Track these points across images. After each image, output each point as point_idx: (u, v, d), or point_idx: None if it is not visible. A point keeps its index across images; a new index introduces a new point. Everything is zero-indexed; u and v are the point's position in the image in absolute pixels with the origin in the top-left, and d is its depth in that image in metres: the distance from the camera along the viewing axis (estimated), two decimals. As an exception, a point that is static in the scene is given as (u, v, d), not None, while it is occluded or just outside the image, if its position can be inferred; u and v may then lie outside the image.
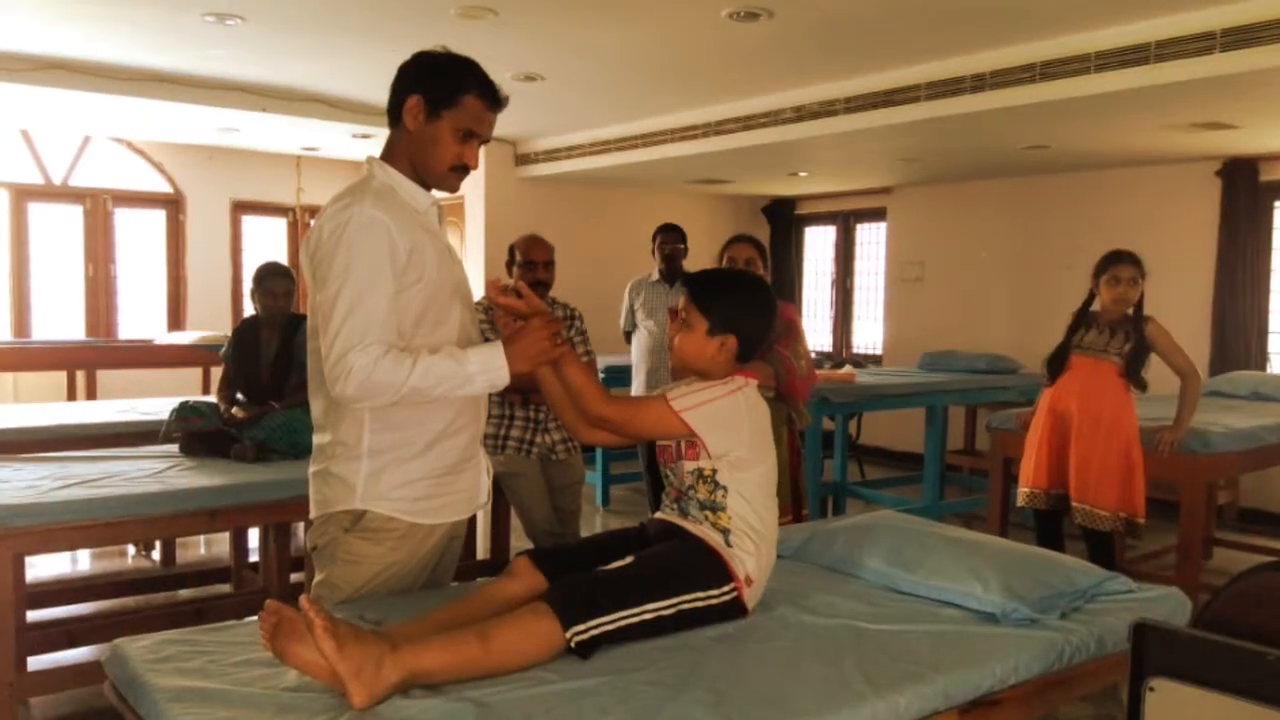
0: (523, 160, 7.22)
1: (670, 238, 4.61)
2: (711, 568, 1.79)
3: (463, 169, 1.92)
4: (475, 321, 2.03)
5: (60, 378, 5.75)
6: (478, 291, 2.55)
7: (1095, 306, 3.59)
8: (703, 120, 5.83)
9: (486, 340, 1.89)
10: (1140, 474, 3.46)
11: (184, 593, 3.99)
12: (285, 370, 3.43)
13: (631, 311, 4.68)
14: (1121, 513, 3.45)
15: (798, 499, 3.37)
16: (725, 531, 1.81)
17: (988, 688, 1.69)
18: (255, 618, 1.54)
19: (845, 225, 8.23)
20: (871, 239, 8.07)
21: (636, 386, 4.53)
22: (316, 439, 1.94)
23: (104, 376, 5.96)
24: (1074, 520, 3.54)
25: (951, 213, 7.28)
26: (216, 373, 4.28)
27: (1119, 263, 3.48)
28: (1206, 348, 5.79)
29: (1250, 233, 5.72)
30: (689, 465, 1.84)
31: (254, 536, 4.04)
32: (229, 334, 3.98)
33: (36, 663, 2.93)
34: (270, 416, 3.26)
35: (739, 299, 1.90)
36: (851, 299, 8.22)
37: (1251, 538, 5.14)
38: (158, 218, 7.55)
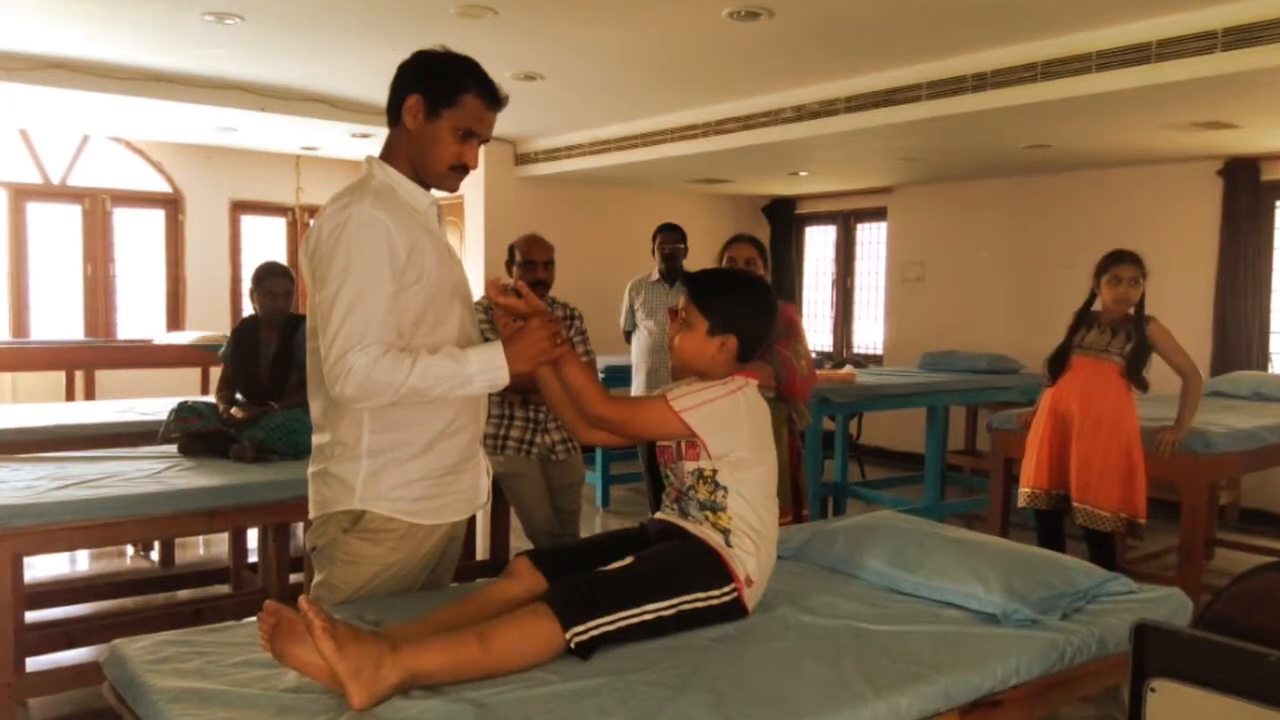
0: (522, 160, 7.22)
1: (670, 237, 4.61)
2: (712, 568, 1.78)
3: (462, 168, 1.91)
4: (475, 321, 2.03)
5: (59, 378, 5.75)
6: (477, 291, 2.55)
7: (1096, 306, 3.58)
8: (703, 120, 5.83)
9: (486, 340, 1.89)
10: (1141, 474, 3.46)
11: (183, 593, 3.99)
12: (284, 370, 3.42)
13: (631, 311, 4.67)
14: (1123, 513, 3.44)
15: (798, 499, 3.37)
16: (725, 532, 1.80)
17: (989, 688, 1.69)
18: (254, 618, 1.54)
19: (846, 225, 8.23)
20: (872, 239, 8.07)
21: (636, 386, 4.53)
22: (316, 439, 1.94)
23: (103, 376, 5.96)
24: (1075, 521, 3.53)
25: (952, 212, 7.28)
26: (215, 373, 4.27)
27: (1120, 262, 3.48)
28: (1208, 348, 5.78)
29: (1251, 232, 5.72)
30: (689, 465, 1.84)
31: (253, 537, 4.03)
32: (228, 334, 3.98)
33: (35, 663, 2.93)
34: (269, 417, 3.25)
35: (739, 299, 1.90)
36: (852, 299, 8.21)
37: (1253, 538, 5.14)
38: (156, 217, 7.54)
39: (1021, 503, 3.69)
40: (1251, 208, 5.71)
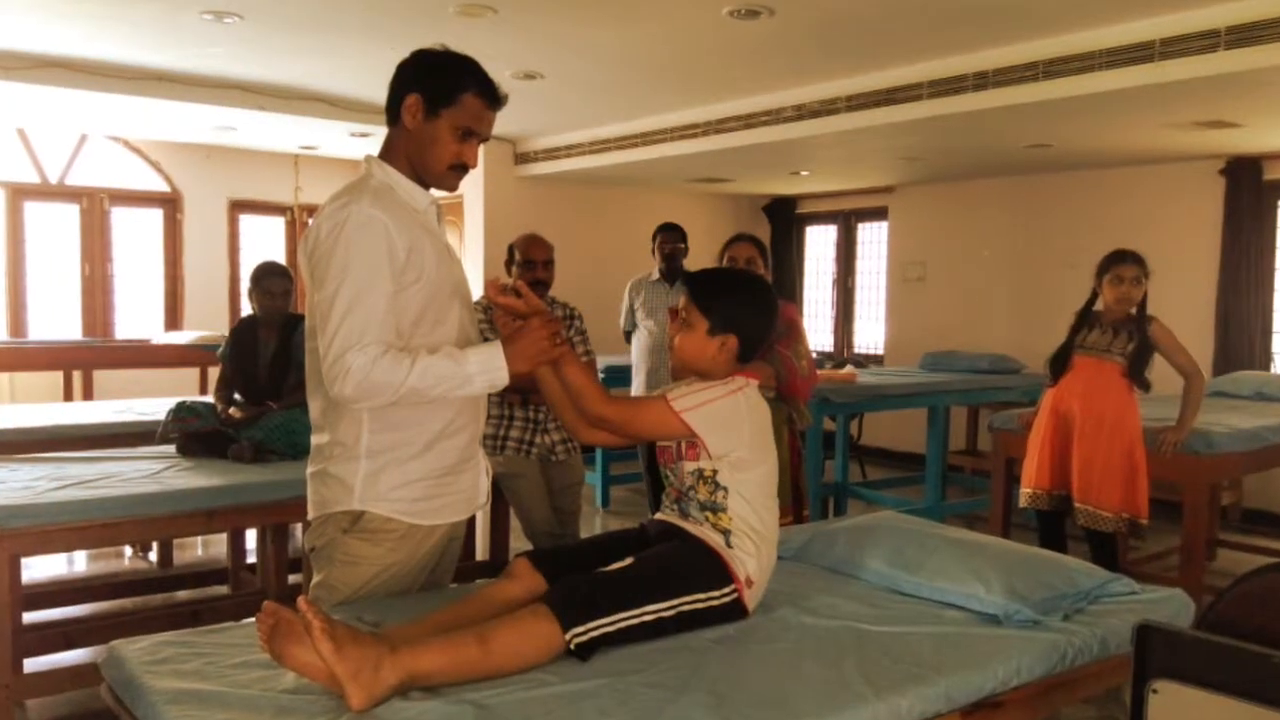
0: (522, 159, 7.21)
1: (670, 237, 4.61)
2: (712, 569, 1.78)
3: (462, 168, 1.91)
4: (474, 321, 2.02)
5: (57, 378, 5.74)
6: (476, 291, 2.55)
7: (1098, 306, 3.58)
8: (703, 119, 5.82)
9: (486, 340, 1.88)
10: (1143, 475, 3.45)
11: (181, 594, 3.98)
12: (283, 370, 3.42)
13: (631, 311, 4.67)
14: (1124, 514, 3.44)
15: (798, 500, 3.36)
16: (726, 532, 1.80)
17: (990, 689, 1.68)
18: (253, 619, 1.53)
19: (846, 224, 8.22)
20: (873, 238, 8.06)
21: (636, 386, 4.53)
22: (315, 439, 1.94)
23: (101, 376, 5.94)
24: (1077, 521, 3.53)
25: (953, 212, 7.27)
26: (214, 373, 4.27)
27: (1122, 262, 3.47)
28: (1210, 347, 5.78)
29: (1254, 232, 5.71)
30: (689, 466, 1.83)
31: (252, 537, 4.03)
32: (226, 334, 3.97)
33: (33, 664, 2.92)
34: (268, 417, 3.24)
35: (740, 299, 1.90)
36: (853, 298, 8.21)
37: (1255, 539, 5.13)
38: (155, 217, 7.54)
39: (1023, 503, 3.69)
40: (1254, 207, 5.70)
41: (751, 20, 3.98)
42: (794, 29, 4.13)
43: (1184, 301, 5.62)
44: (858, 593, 2.04)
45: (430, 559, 1.95)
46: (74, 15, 4.22)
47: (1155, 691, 1.44)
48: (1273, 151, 5.57)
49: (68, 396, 5.68)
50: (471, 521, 2.41)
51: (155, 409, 4.01)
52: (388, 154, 1.92)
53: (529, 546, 3.24)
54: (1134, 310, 3.49)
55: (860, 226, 8.16)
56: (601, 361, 4.80)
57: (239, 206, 7.82)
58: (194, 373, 6.09)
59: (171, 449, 3.29)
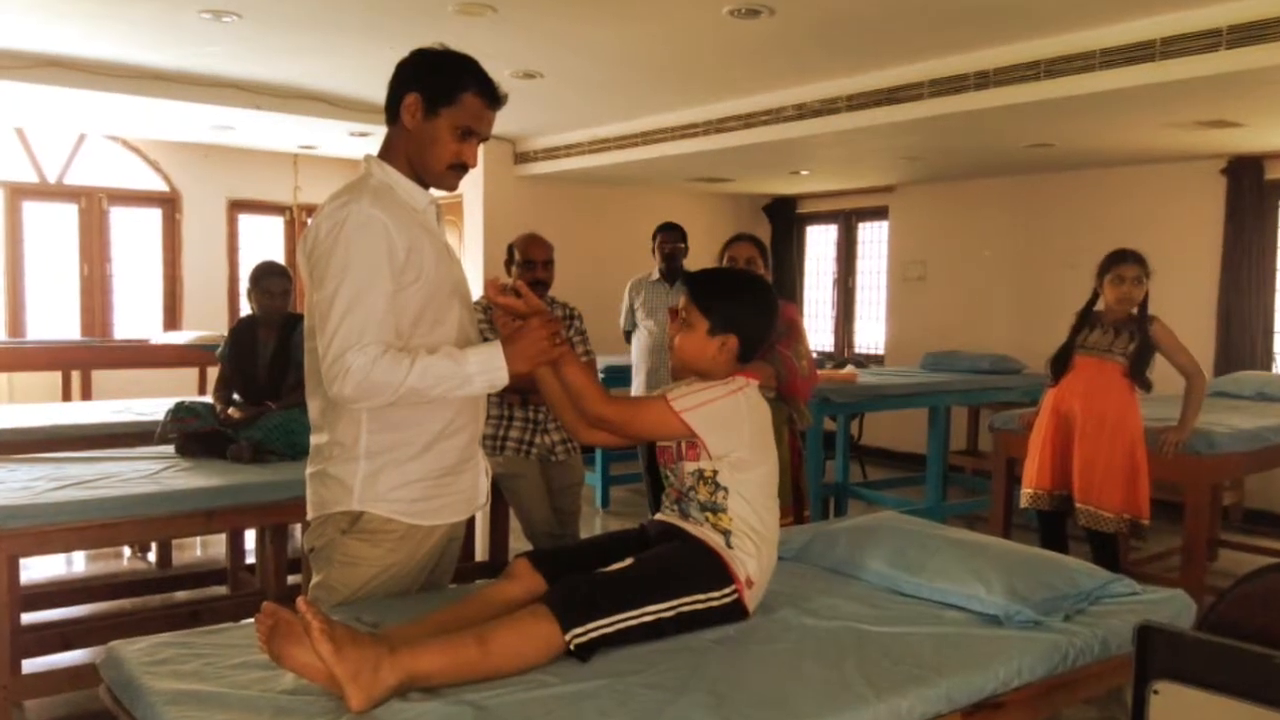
0: (522, 158, 7.20)
1: (670, 237, 4.60)
2: (712, 569, 1.78)
3: (461, 167, 1.91)
4: (474, 321, 2.02)
5: (55, 378, 5.74)
6: (476, 291, 2.54)
7: (1099, 306, 3.57)
8: (703, 118, 5.81)
9: (485, 340, 1.88)
10: (1145, 475, 3.45)
11: (180, 595, 3.98)
12: (282, 370, 3.41)
13: (631, 311, 4.67)
14: (1126, 514, 3.44)
15: (799, 500, 3.35)
16: (726, 533, 1.80)
17: (991, 690, 1.68)
18: (252, 620, 1.53)
19: (847, 224, 8.21)
20: (873, 238, 8.05)
21: (636, 386, 4.52)
22: (314, 440, 1.93)
23: (99, 377, 5.94)
24: (1078, 522, 3.53)
25: (954, 211, 7.26)
26: (213, 373, 4.27)
27: (1123, 262, 3.47)
28: (1211, 347, 5.77)
29: (1256, 231, 5.71)
30: (689, 466, 1.83)
31: (251, 538, 4.02)
32: (225, 334, 3.97)
33: (31, 665, 2.92)
34: (267, 417, 3.24)
35: (740, 299, 1.89)
36: (853, 298, 8.20)
37: (1257, 539, 5.13)
38: (153, 216, 7.53)
39: (1024, 503, 3.69)
40: (1255, 206, 5.70)
41: (752, 19, 3.98)
42: (794, 28, 4.12)
43: (1185, 301, 5.61)
44: (858, 593, 2.04)
45: (429, 559, 1.95)
46: (72, 14, 4.21)
47: (1156, 692, 1.44)
48: (1274, 151, 5.56)
49: (66, 396, 5.67)
50: (471, 522, 2.41)
51: (154, 409, 4.00)
52: (387, 153, 1.91)
53: (528, 547, 3.23)
54: (1135, 310, 3.48)
55: (861, 226, 8.15)
56: (601, 361, 4.80)
57: (238, 206, 7.81)
58: (193, 373, 6.08)
59: (170, 449, 3.29)
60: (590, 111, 6.07)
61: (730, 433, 1.80)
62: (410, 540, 1.88)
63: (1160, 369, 3.50)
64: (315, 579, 1.92)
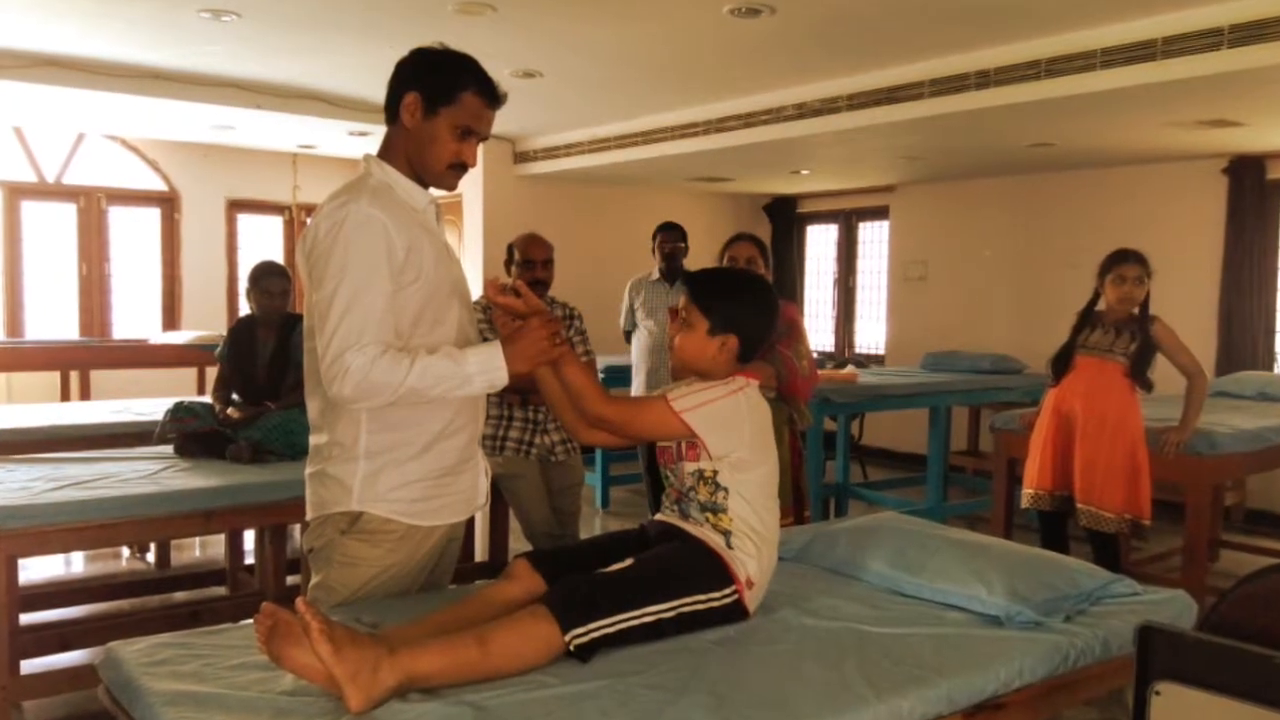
0: (521, 158, 7.20)
1: (670, 236, 4.60)
2: (712, 570, 1.77)
3: (461, 167, 1.90)
4: (473, 321, 2.02)
5: (54, 378, 5.73)
6: (476, 290, 2.53)
7: (1100, 306, 3.57)
8: (703, 117, 5.81)
9: (485, 340, 1.87)
10: (1146, 475, 3.45)
11: (179, 595, 3.97)
12: (281, 370, 3.40)
13: (631, 311, 4.66)
14: (1127, 514, 3.43)
15: (799, 500, 3.35)
16: (726, 533, 1.79)
17: (991, 691, 1.68)
18: (251, 621, 1.53)
19: (847, 224, 8.21)
20: (874, 238, 8.05)
21: (636, 386, 4.52)
22: (313, 440, 1.93)
23: (98, 377, 5.93)
24: (1079, 522, 3.52)
25: (955, 211, 7.26)
26: (212, 373, 4.26)
27: (1124, 262, 3.47)
28: (1213, 347, 5.77)
29: (1257, 231, 5.70)
30: (689, 466, 1.82)
31: (250, 538, 4.01)
32: (224, 334, 3.96)
33: (30, 666, 2.91)
34: (266, 417, 3.23)
35: (740, 298, 1.89)
36: (854, 298, 8.20)
37: (1258, 539, 5.12)
38: (152, 216, 7.52)
39: (1025, 504, 3.68)
40: (1257, 206, 5.69)
41: (752, 19, 3.97)
42: (795, 27, 4.12)
43: (1186, 301, 5.61)
44: (859, 594, 2.04)
45: (429, 560, 1.95)
46: (71, 13, 4.20)
47: (1158, 693, 1.43)
48: (1276, 150, 5.56)
49: (65, 397, 5.66)
50: (471, 522, 2.40)
51: (153, 409, 3.99)
52: (386, 153, 1.91)
53: (528, 547, 3.22)
54: (1136, 310, 3.48)
55: (861, 226, 8.14)
56: (601, 361, 4.79)
57: (237, 206, 7.81)
58: (192, 373, 6.08)
59: (169, 449, 3.28)
60: (590, 111, 6.06)
61: (730, 433, 1.80)
62: (410, 540, 1.88)
63: (1161, 369, 3.50)
64: (314, 579, 1.92)
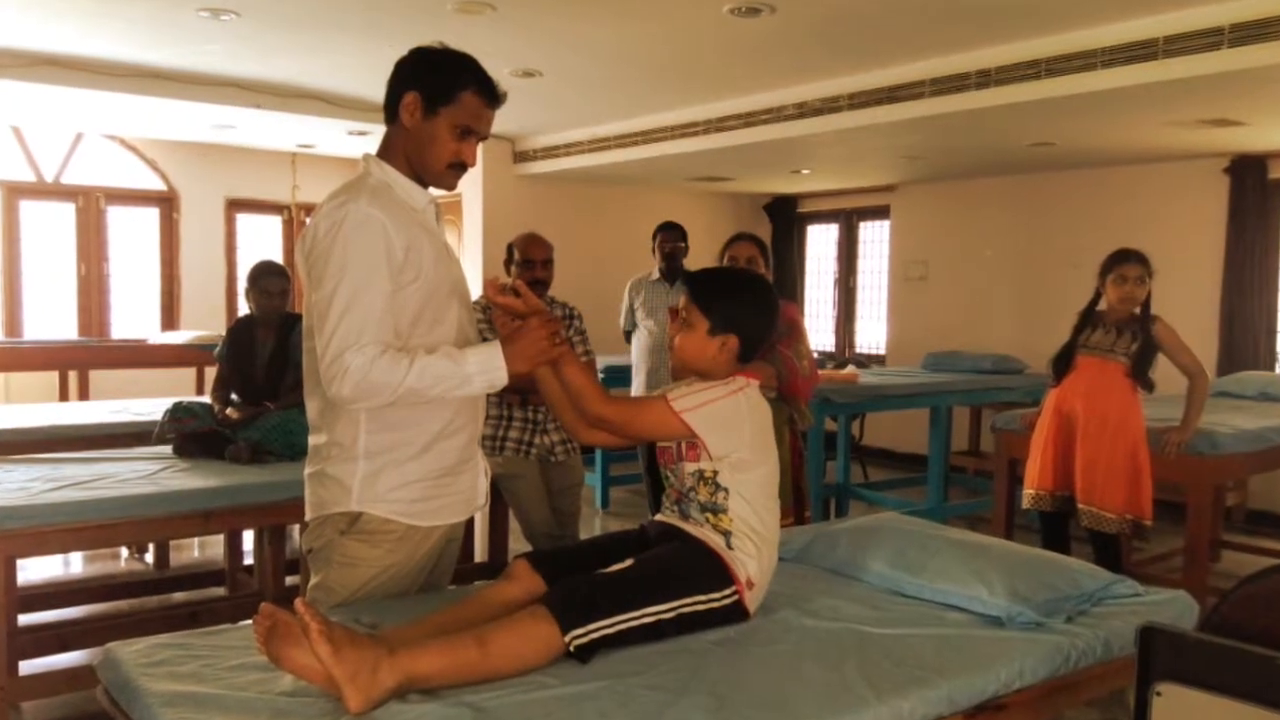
0: (521, 157, 7.19)
1: (671, 236, 4.59)
2: (712, 570, 1.77)
3: (460, 166, 1.90)
4: (473, 321, 2.01)
5: (52, 378, 5.73)
6: (475, 290, 2.53)
7: (1101, 306, 3.56)
8: (704, 117, 5.80)
9: (485, 340, 1.87)
10: (1147, 475, 3.44)
11: (178, 596, 3.97)
12: (281, 370, 3.40)
13: (631, 311, 4.66)
14: (1128, 515, 3.43)
15: (800, 501, 3.34)
16: (726, 534, 1.79)
17: (993, 692, 1.67)
18: (250, 621, 1.52)
19: (848, 223, 8.20)
20: (875, 237, 8.04)
21: (636, 386, 4.51)
22: (312, 440, 1.93)
23: (96, 377, 5.92)
24: (1080, 522, 3.52)
25: (956, 211, 7.25)
26: (211, 373, 4.26)
27: (1125, 261, 3.46)
28: (1214, 347, 5.76)
29: (1259, 230, 5.69)
30: (690, 467, 1.82)
31: (249, 539, 4.01)
32: (223, 333, 3.95)
33: (28, 667, 2.91)
34: (265, 417, 3.23)
35: (740, 298, 1.89)
36: (854, 298, 8.19)
37: (1260, 540, 5.12)
38: (151, 216, 7.52)
39: (1026, 504, 3.68)
40: (1258, 205, 5.69)
41: (752, 18, 3.97)
42: (795, 26, 4.11)
43: (1188, 301, 5.60)
44: (859, 595, 2.04)
45: (429, 560, 1.94)
46: (69, 12, 4.20)
47: (1159, 694, 1.43)
48: (1277, 150, 5.55)
49: (63, 397, 5.66)
50: (470, 523, 2.40)
51: (151, 409, 3.99)
52: (386, 152, 1.91)
53: (528, 548, 3.22)
54: (1137, 310, 3.47)
55: (862, 225, 8.14)
56: (601, 361, 4.79)
57: (236, 205, 7.80)
58: (190, 373, 6.07)
59: (168, 450, 3.27)
60: (590, 110, 6.06)
61: (731, 433, 1.79)
62: (409, 541, 1.87)
63: (1163, 369, 3.49)
64: (314, 580, 1.91)
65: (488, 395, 1.96)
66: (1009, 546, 2.26)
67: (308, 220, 1.87)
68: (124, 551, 4.71)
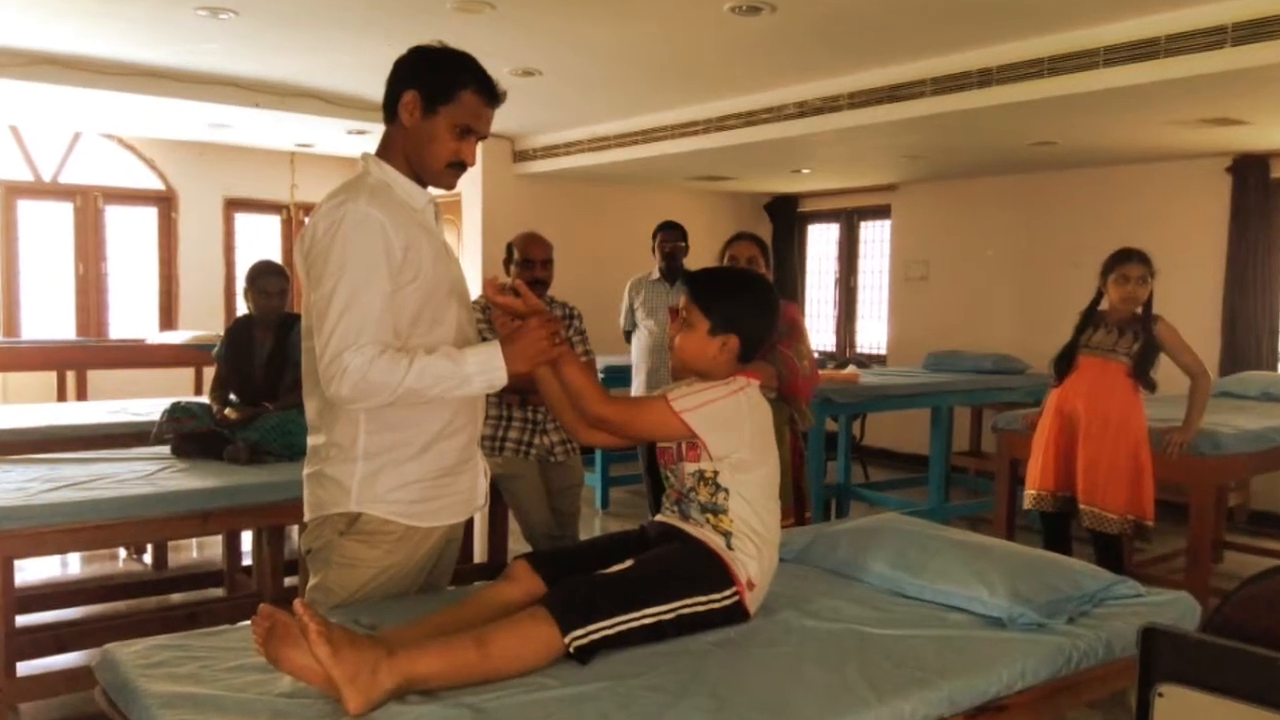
0: (520, 157, 7.19)
1: (671, 236, 4.59)
2: (713, 571, 1.77)
3: (460, 166, 1.90)
4: (472, 321, 2.01)
5: (50, 378, 5.72)
6: (475, 290, 2.52)
7: (1103, 305, 3.56)
8: (704, 116, 5.80)
9: (484, 340, 1.86)
10: (1149, 476, 3.44)
11: (176, 597, 3.96)
12: (279, 370, 3.39)
13: (631, 311, 4.65)
14: (1130, 515, 3.42)
15: (800, 501, 3.34)
16: (727, 534, 1.79)
17: (994, 693, 1.67)
18: (248, 622, 1.52)
19: (849, 223, 8.20)
20: (876, 237, 8.04)
21: (636, 387, 4.51)
22: (311, 440, 1.92)
23: (95, 377, 5.92)
24: (1082, 523, 3.51)
25: (957, 210, 7.25)
26: (209, 373, 4.24)
27: (1127, 261, 3.45)
28: (1216, 347, 5.75)
29: (1261, 230, 5.69)
30: (690, 467, 1.82)
31: (247, 539, 4.01)
32: (222, 333, 3.94)
33: (26, 668, 2.90)
34: (264, 417, 3.22)
35: (741, 298, 1.88)
36: (855, 298, 8.18)
37: (1262, 541, 5.11)
38: (149, 215, 7.51)
39: (1027, 505, 3.67)
40: (1261, 205, 5.68)
41: (753, 16, 3.96)
42: (796, 25, 4.11)
43: (1190, 301, 5.59)
44: (860, 595, 2.03)
45: (428, 561, 1.94)
46: (68, 11, 4.19)
47: (1161, 695, 1.42)
48: (1279, 149, 5.54)
49: (61, 397, 5.65)
50: (470, 523, 2.39)
51: (150, 409, 3.99)
52: (385, 152, 1.90)
53: (528, 548, 3.21)
54: (1139, 310, 3.47)
55: (863, 225, 8.13)
56: (601, 361, 4.78)
57: (234, 205, 7.80)
58: (189, 373, 6.06)
59: (166, 450, 3.27)
60: (590, 109, 6.05)
61: (731, 433, 1.79)
62: (408, 542, 1.87)
63: (1164, 369, 3.49)
64: (313, 581, 1.91)
65: (487, 395, 1.95)
66: (1010, 547, 2.26)
67: (306, 220, 1.86)
68: (122, 552, 4.70)
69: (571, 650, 1.57)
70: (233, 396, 3.51)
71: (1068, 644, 1.80)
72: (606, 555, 1.80)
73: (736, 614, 1.77)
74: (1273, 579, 1.56)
